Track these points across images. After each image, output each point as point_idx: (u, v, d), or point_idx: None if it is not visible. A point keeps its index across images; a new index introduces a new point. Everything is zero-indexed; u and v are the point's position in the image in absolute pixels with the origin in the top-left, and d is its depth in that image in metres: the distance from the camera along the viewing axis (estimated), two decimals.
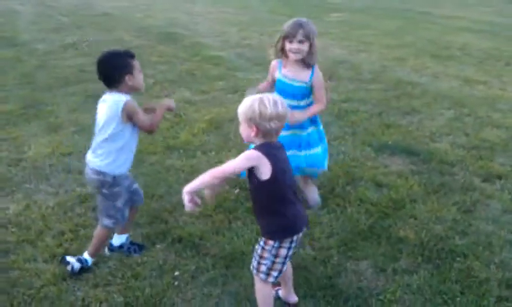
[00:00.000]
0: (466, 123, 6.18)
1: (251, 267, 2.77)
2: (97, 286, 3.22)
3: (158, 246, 3.64)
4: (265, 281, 2.73)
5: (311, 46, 3.66)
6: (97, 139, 3.19)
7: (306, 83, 3.76)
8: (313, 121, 4.00)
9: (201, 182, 2.51)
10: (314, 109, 3.86)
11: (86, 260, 3.33)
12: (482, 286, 3.19)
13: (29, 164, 4.99)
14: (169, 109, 3.47)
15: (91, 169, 3.21)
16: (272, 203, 2.62)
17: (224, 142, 5.47)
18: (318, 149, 4.02)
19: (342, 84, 7.87)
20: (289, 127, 3.70)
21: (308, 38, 3.61)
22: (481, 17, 16.02)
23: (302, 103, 3.84)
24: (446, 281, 3.24)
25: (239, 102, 2.61)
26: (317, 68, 3.77)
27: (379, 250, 3.56)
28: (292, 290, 3.06)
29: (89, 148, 3.28)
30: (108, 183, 3.19)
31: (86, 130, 5.58)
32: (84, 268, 3.32)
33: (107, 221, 3.30)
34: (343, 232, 3.77)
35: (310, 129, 3.98)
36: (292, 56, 3.68)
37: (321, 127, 4.10)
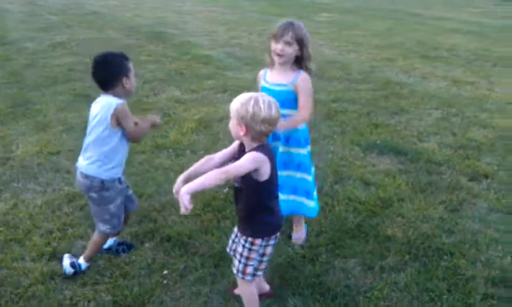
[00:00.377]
0: (454, 123, 6.23)
1: (235, 271, 2.75)
2: (85, 285, 3.21)
3: (147, 245, 3.63)
4: (250, 281, 2.74)
5: (302, 51, 3.27)
6: (86, 140, 3.14)
7: (286, 86, 3.28)
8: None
9: (202, 184, 2.36)
10: (296, 118, 3.32)
11: (79, 265, 3.29)
12: (468, 284, 3.22)
13: (17, 163, 4.96)
14: (154, 125, 3.33)
15: (79, 173, 3.16)
16: (268, 202, 2.64)
17: (214, 142, 5.47)
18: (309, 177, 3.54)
19: (331, 84, 7.91)
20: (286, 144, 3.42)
21: (298, 41, 3.22)
22: (470, 18, 16.17)
23: (285, 111, 3.17)
24: (433, 278, 3.27)
25: (229, 101, 2.59)
26: (304, 73, 3.31)
27: (366, 248, 3.59)
28: (263, 280, 3.07)
29: (78, 148, 3.26)
30: (96, 188, 3.12)
31: (75, 129, 5.58)
32: (77, 273, 3.29)
33: (103, 227, 3.23)
34: (331, 230, 3.79)
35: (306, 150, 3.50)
36: (275, 59, 3.29)
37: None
